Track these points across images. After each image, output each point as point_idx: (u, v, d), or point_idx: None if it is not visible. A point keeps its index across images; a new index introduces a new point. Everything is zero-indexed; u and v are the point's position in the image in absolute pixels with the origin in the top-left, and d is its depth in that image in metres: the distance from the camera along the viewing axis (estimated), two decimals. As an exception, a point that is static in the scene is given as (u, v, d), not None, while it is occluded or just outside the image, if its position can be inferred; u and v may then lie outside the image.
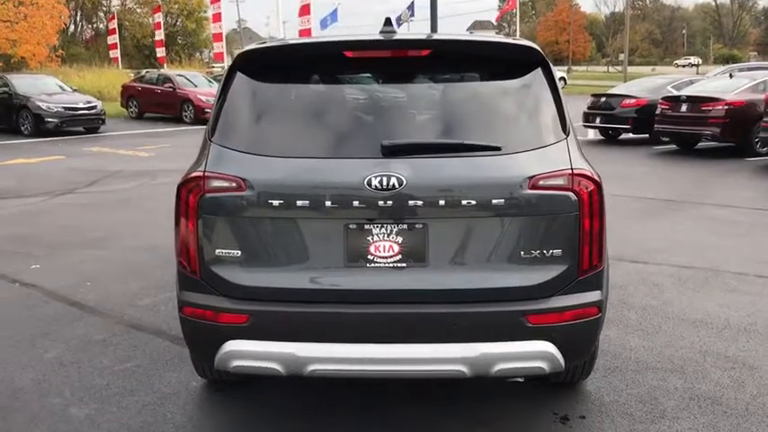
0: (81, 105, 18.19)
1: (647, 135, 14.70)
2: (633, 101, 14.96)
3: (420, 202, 2.70)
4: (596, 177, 2.83)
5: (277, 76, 3.04)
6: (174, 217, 2.89)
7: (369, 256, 2.77)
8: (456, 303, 2.77)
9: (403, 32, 3.90)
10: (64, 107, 17.71)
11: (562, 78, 40.80)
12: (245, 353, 2.81)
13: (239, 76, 3.01)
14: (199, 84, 22.24)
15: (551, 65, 3.05)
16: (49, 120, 17.39)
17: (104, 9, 55.05)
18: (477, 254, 2.78)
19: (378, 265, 2.77)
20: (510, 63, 3.03)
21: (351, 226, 2.76)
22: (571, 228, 2.77)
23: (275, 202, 2.75)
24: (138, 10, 52.36)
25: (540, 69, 2.98)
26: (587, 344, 2.98)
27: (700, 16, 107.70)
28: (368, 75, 3.11)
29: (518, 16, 48.62)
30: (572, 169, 2.78)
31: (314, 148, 2.84)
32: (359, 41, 3.10)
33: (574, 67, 71.06)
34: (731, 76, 14.65)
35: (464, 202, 2.71)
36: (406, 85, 3.09)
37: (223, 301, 2.82)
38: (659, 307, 4.82)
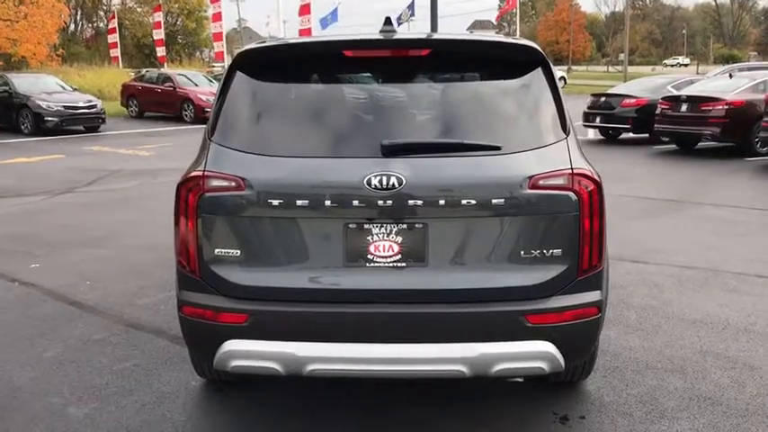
0: (81, 104, 18.19)
1: (647, 135, 14.70)
2: (633, 100, 14.96)
3: (420, 202, 2.70)
4: (596, 177, 2.83)
5: (277, 76, 3.04)
6: (174, 216, 2.89)
7: (368, 256, 2.76)
8: (456, 303, 2.76)
9: (403, 32, 3.89)
10: (64, 106, 17.70)
11: (562, 78, 40.79)
12: (245, 352, 2.80)
13: (239, 75, 3.01)
14: (199, 83, 22.25)
15: (551, 64, 3.05)
16: (50, 119, 17.38)
17: (104, 8, 54.99)
18: (477, 254, 2.78)
19: (377, 264, 2.76)
20: (510, 63, 3.03)
21: (350, 225, 2.75)
22: (571, 227, 2.77)
23: (275, 202, 2.75)
24: (139, 9, 52.29)
25: (540, 69, 2.98)
26: (587, 344, 2.98)
27: (700, 16, 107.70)
28: (368, 74, 3.10)
29: (518, 16, 48.57)
30: (572, 169, 2.78)
31: (313, 148, 2.84)
32: (359, 41, 3.10)
33: (574, 67, 71.09)
34: (731, 75, 14.65)
35: (464, 201, 2.71)
36: (406, 84, 3.09)
37: (222, 300, 2.82)
38: (659, 307, 4.81)
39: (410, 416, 3.34)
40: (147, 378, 3.75)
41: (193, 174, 2.85)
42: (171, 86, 21.82)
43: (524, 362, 2.78)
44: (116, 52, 37.36)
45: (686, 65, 75.88)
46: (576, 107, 10.57)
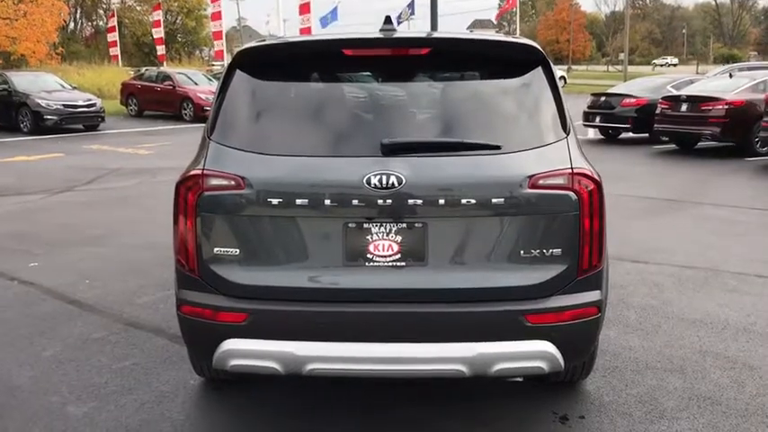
0: (80, 103, 18.17)
1: (647, 134, 14.69)
2: (633, 100, 14.95)
3: (419, 201, 2.69)
4: (596, 177, 2.82)
5: (276, 74, 3.03)
6: (173, 215, 2.88)
7: (368, 255, 2.76)
8: (455, 303, 2.76)
9: (403, 31, 3.89)
10: (63, 105, 17.68)
11: (562, 77, 40.79)
12: (244, 352, 2.80)
13: (238, 74, 3.00)
14: (198, 82, 22.24)
15: (552, 64, 3.04)
16: (49, 117, 17.37)
17: (104, 6, 54.97)
18: (477, 253, 2.78)
19: (377, 264, 2.76)
20: (510, 62, 3.02)
21: (350, 225, 2.75)
22: (571, 227, 2.76)
23: (274, 201, 2.74)
24: (138, 8, 52.23)
25: (540, 68, 2.97)
26: (587, 344, 2.98)
27: (700, 16, 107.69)
28: (367, 73, 3.10)
29: (518, 15, 48.54)
30: (572, 168, 2.77)
31: (313, 147, 2.83)
32: (358, 39, 3.09)
33: (574, 67, 71.09)
34: (731, 75, 14.65)
35: (464, 201, 2.70)
36: (406, 83, 3.08)
37: (221, 299, 2.81)
38: (659, 307, 4.81)
39: (410, 415, 3.34)
40: (146, 377, 3.75)
41: (193, 172, 2.84)
42: (170, 85, 21.81)
43: (524, 361, 2.77)
44: (115, 51, 37.34)
45: (675, 65, 77.81)
46: (575, 107, 10.56)
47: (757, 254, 6.17)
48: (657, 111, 13.68)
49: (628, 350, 4.07)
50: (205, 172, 2.81)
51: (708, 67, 45.05)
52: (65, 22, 43.38)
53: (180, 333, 3.08)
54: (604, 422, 3.27)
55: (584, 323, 2.82)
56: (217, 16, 30.71)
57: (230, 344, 2.79)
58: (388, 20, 3.22)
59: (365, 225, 2.74)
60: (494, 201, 2.71)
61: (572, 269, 2.79)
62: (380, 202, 2.69)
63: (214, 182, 2.79)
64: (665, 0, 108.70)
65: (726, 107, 12.51)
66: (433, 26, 20.36)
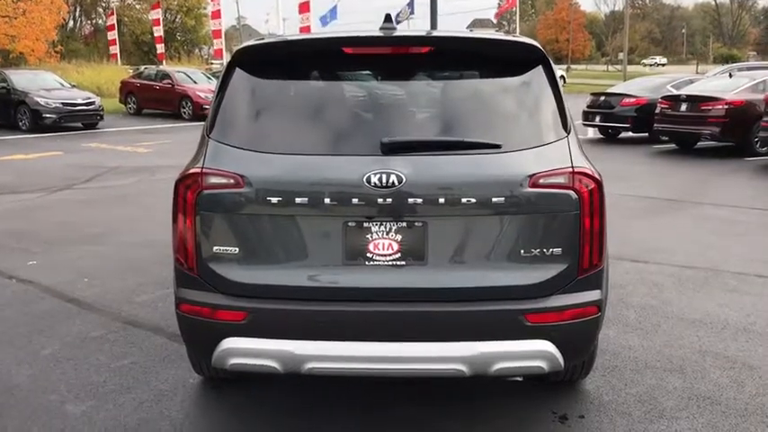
0: (79, 101, 18.14)
1: (647, 134, 14.69)
2: (633, 100, 14.95)
3: (419, 200, 2.69)
4: (597, 176, 2.81)
5: (276, 73, 3.02)
6: (172, 213, 2.87)
7: (368, 254, 2.75)
8: (455, 302, 2.75)
9: (403, 30, 3.87)
10: (62, 103, 17.65)
11: (562, 77, 40.74)
12: (243, 350, 2.79)
13: (238, 72, 2.99)
14: (198, 80, 22.24)
15: (552, 62, 3.03)
16: (48, 115, 17.33)
17: (103, 5, 54.94)
18: (477, 252, 2.77)
19: (377, 263, 2.75)
20: (511, 60, 3.01)
21: (350, 224, 2.74)
22: (571, 226, 2.76)
23: (274, 199, 2.73)
24: (138, 6, 52.18)
25: (540, 67, 2.96)
26: (586, 343, 2.97)
27: (699, 15, 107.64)
28: (367, 71, 3.08)
29: (518, 14, 48.53)
30: (572, 167, 2.77)
31: (313, 145, 2.82)
32: (358, 38, 3.08)
33: (573, 66, 71.11)
34: (731, 75, 14.65)
35: (464, 200, 2.70)
36: (406, 82, 3.07)
37: (220, 298, 2.80)
38: (659, 306, 4.81)
39: (410, 414, 3.33)
40: (144, 376, 3.74)
41: (192, 171, 2.83)
42: (169, 83, 21.80)
43: (524, 361, 2.77)
44: (115, 49, 37.34)
45: (663, 64, 79.92)
46: (575, 106, 10.53)
47: (757, 254, 6.17)
48: (657, 110, 13.68)
49: (627, 350, 4.06)
50: (204, 170, 2.80)
51: (707, 67, 45.06)
52: (64, 20, 43.26)
53: (179, 332, 3.07)
54: (604, 421, 3.26)
55: (584, 323, 2.81)
56: (216, 15, 30.73)
57: (229, 342, 2.78)
58: (387, 18, 3.21)
59: (365, 224, 2.73)
60: (494, 200, 2.70)
61: (572, 268, 2.78)
62: (380, 200, 2.68)
63: (213, 180, 2.78)
64: (665, 0, 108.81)
65: (725, 107, 12.51)
66: (433, 25, 20.37)
